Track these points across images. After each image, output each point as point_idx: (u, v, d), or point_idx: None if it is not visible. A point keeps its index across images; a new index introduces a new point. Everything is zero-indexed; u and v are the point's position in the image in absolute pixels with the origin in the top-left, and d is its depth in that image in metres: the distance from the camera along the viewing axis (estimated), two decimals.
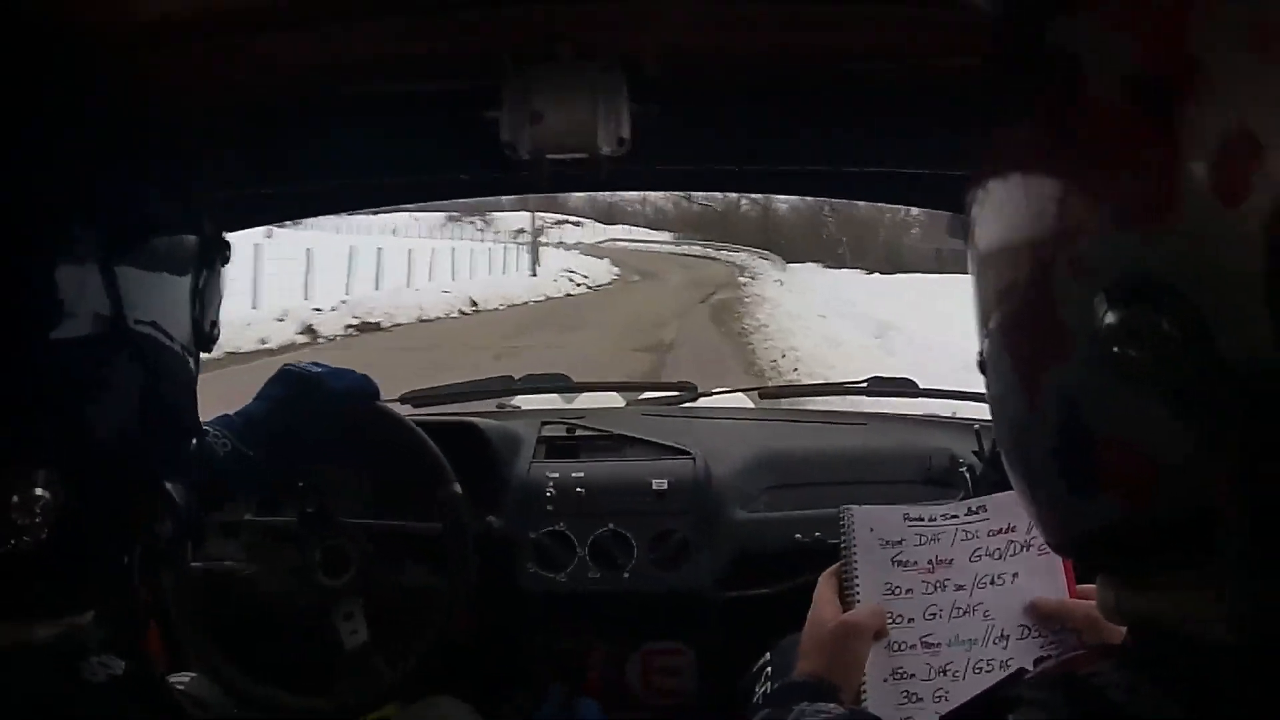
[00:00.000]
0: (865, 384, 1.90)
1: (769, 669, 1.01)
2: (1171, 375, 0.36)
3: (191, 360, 0.64)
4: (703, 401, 1.93)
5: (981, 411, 1.68)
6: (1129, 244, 0.38)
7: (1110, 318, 0.38)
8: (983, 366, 0.51)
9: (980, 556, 0.88)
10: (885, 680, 0.83)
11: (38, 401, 0.53)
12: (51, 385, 0.53)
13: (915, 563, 0.89)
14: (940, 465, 1.53)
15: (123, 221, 0.58)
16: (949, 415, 1.86)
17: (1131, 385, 0.38)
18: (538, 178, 0.91)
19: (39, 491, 0.52)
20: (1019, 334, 0.46)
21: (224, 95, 0.90)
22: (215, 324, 0.66)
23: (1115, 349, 0.38)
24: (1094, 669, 0.44)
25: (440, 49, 0.88)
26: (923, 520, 0.91)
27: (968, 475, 1.46)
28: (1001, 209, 0.47)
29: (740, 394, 2.11)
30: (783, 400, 1.95)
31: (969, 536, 0.89)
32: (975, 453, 1.49)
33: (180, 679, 1.32)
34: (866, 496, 1.39)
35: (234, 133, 0.95)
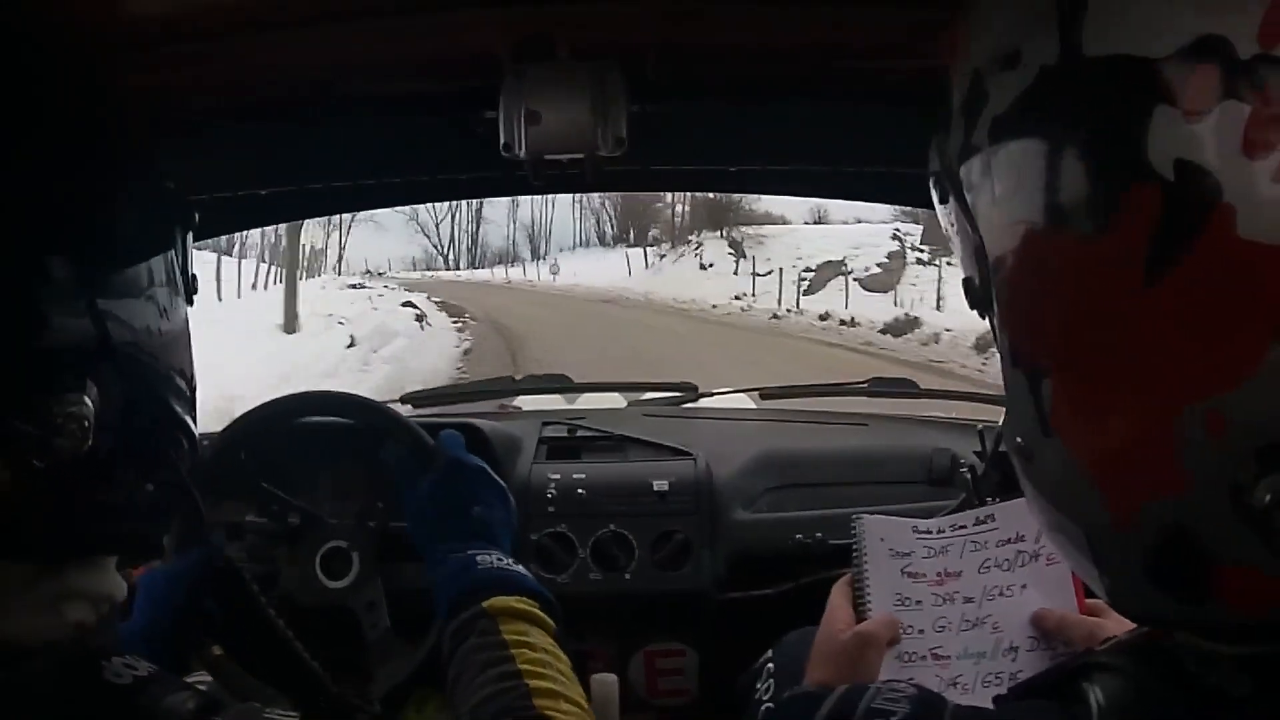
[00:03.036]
0: (866, 384, 1.89)
1: (770, 666, 1.01)
2: None
3: (183, 309, 0.67)
4: (704, 402, 1.93)
5: (982, 412, 1.68)
6: None
7: (1262, 485, 0.34)
8: (1025, 453, 0.46)
9: (989, 568, 0.88)
10: None
11: (67, 328, 0.55)
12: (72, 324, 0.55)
13: (924, 575, 0.89)
14: (941, 466, 1.52)
15: (107, 209, 0.60)
16: (950, 416, 1.85)
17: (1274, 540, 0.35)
18: (536, 178, 0.91)
19: (83, 398, 0.54)
20: (1111, 462, 0.40)
21: (222, 96, 0.90)
22: (195, 276, 0.70)
23: (1267, 517, 0.35)
24: (1171, 640, 0.43)
25: (439, 49, 0.87)
26: (930, 533, 0.91)
27: (969, 476, 1.45)
28: (1083, 327, 0.40)
29: (741, 394, 2.11)
30: (784, 400, 1.94)
31: (977, 547, 0.89)
32: (977, 453, 1.49)
33: (201, 681, 1.31)
34: (868, 497, 1.40)
35: (233, 134, 0.95)
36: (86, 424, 0.53)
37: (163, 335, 0.63)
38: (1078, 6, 0.38)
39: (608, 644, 1.48)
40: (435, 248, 60.36)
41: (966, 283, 0.49)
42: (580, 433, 1.67)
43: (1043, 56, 0.40)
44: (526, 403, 2.06)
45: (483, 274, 39.27)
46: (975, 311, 0.49)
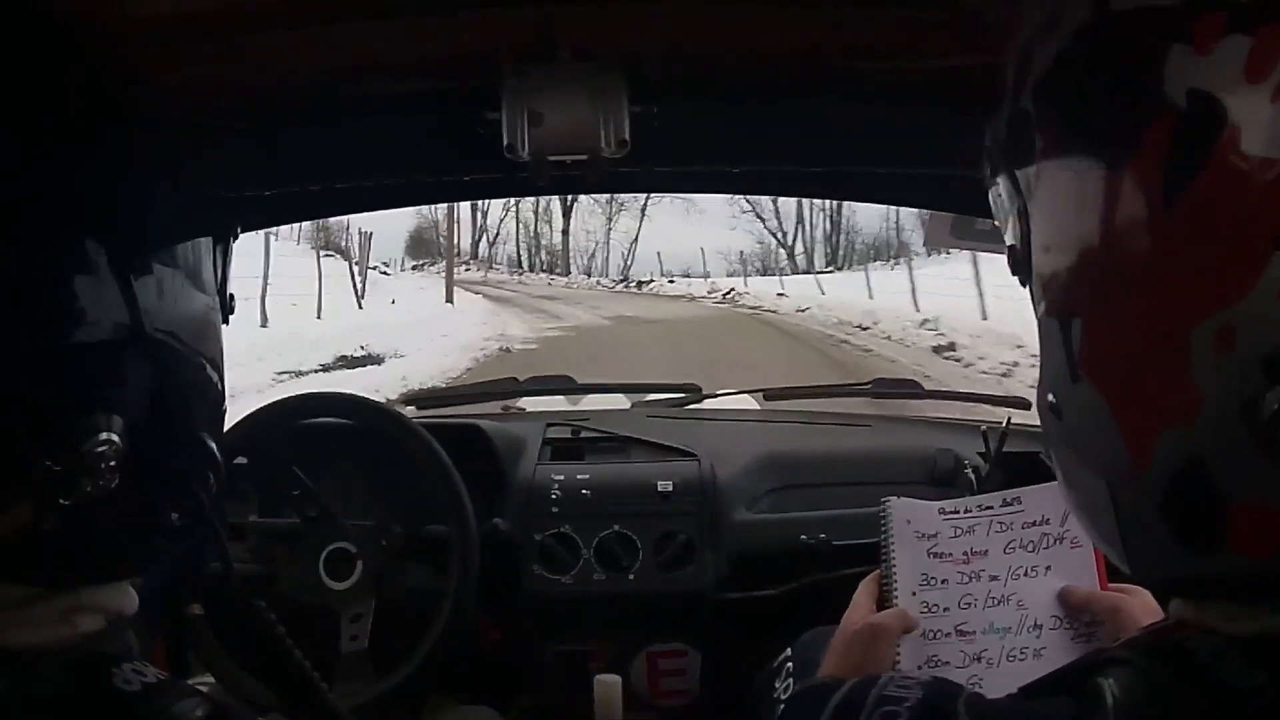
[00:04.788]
0: (870, 385, 1.89)
1: (790, 664, 1.01)
2: None
3: (220, 331, 0.67)
4: (707, 403, 1.93)
5: (986, 413, 1.68)
6: None
7: (1269, 395, 0.36)
8: (1055, 410, 0.48)
9: (1014, 548, 0.90)
10: (920, 667, 0.85)
11: (94, 359, 0.54)
12: (100, 348, 0.54)
13: (950, 554, 0.90)
14: (945, 466, 1.52)
15: (133, 215, 0.59)
16: (954, 416, 1.85)
17: None
18: (538, 178, 0.91)
19: (111, 436, 0.53)
20: (1130, 392, 0.43)
21: (224, 96, 0.91)
22: (233, 296, 0.69)
23: (1272, 428, 0.36)
24: (1183, 635, 0.44)
25: (440, 50, 0.88)
26: (958, 513, 0.93)
27: (973, 476, 1.46)
28: (1110, 260, 0.43)
29: (745, 395, 2.11)
30: (787, 401, 1.94)
31: (1003, 528, 0.91)
32: (980, 454, 1.49)
33: (203, 684, 1.32)
34: (871, 498, 1.39)
35: (233, 134, 0.95)
36: (114, 464, 0.53)
37: (197, 363, 0.62)
38: None
39: (610, 644, 1.48)
40: (774, 234, 36.98)
41: (1010, 250, 0.52)
42: (584, 434, 1.67)
43: (1078, 18, 0.44)
44: (530, 404, 2.06)
45: (829, 286, 18.83)
46: (1017, 279, 0.52)
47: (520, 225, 41.54)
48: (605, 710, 1.26)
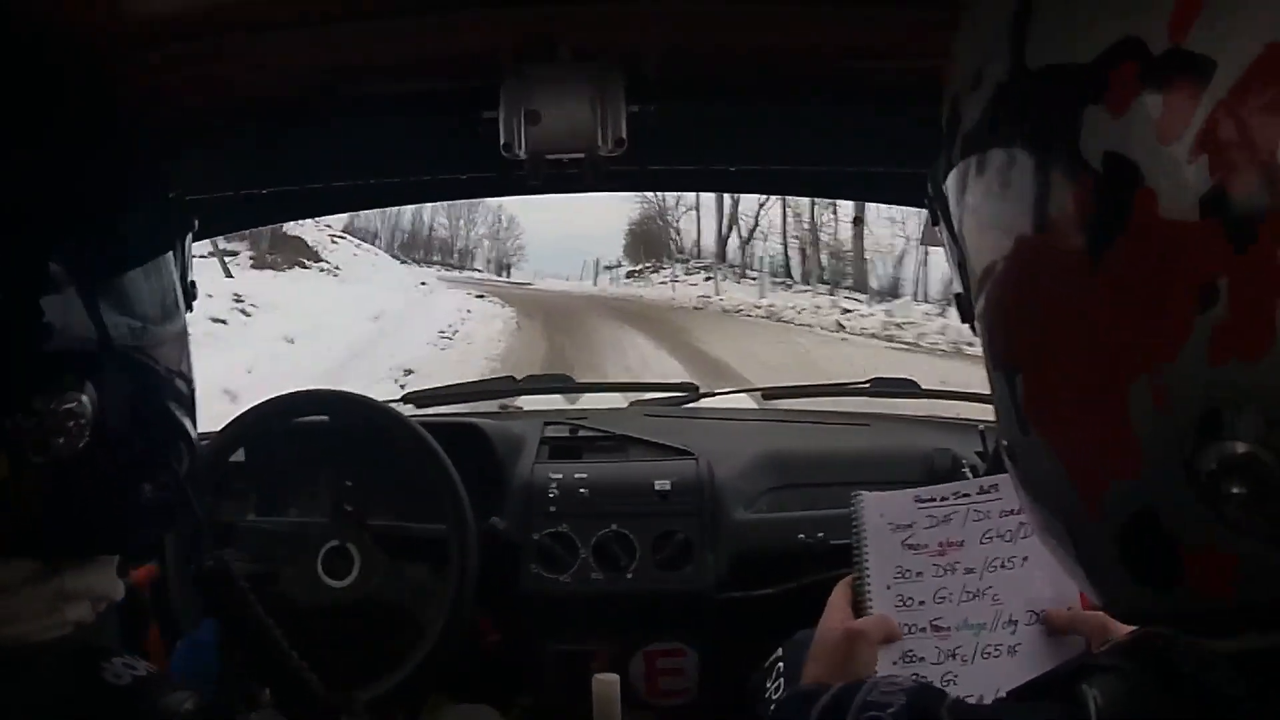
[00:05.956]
0: (868, 384, 1.89)
1: (781, 664, 1.01)
2: (1273, 505, 0.35)
3: (183, 314, 0.68)
4: (705, 402, 1.93)
5: (984, 412, 1.68)
6: (1220, 375, 0.35)
7: (1207, 453, 0.36)
8: (1011, 455, 0.48)
9: (991, 538, 0.89)
10: (895, 663, 0.84)
11: (64, 332, 0.56)
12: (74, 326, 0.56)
13: (926, 545, 0.89)
14: (943, 465, 1.52)
15: (121, 210, 0.62)
16: (952, 416, 1.85)
17: (1228, 514, 0.36)
18: (535, 178, 0.91)
19: (80, 397, 0.55)
20: (1076, 446, 0.42)
21: (223, 96, 0.90)
22: (194, 283, 0.70)
23: (1213, 484, 0.36)
24: (1166, 642, 0.44)
25: (439, 49, 0.88)
26: (934, 501, 0.91)
27: (970, 475, 1.46)
28: (1041, 320, 0.42)
29: (743, 394, 2.11)
30: (785, 400, 1.94)
31: (980, 517, 0.90)
32: (978, 453, 1.49)
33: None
34: None
35: (233, 134, 0.95)
36: (83, 422, 0.55)
37: (162, 339, 0.63)
38: (1022, 25, 0.42)
39: (608, 644, 1.48)
40: None
41: (957, 297, 0.52)
42: (582, 433, 1.67)
43: (997, 74, 0.43)
44: (528, 403, 2.06)
45: None
46: (966, 325, 0.51)
47: (789, 213, 26.08)
48: (604, 709, 1.26)
